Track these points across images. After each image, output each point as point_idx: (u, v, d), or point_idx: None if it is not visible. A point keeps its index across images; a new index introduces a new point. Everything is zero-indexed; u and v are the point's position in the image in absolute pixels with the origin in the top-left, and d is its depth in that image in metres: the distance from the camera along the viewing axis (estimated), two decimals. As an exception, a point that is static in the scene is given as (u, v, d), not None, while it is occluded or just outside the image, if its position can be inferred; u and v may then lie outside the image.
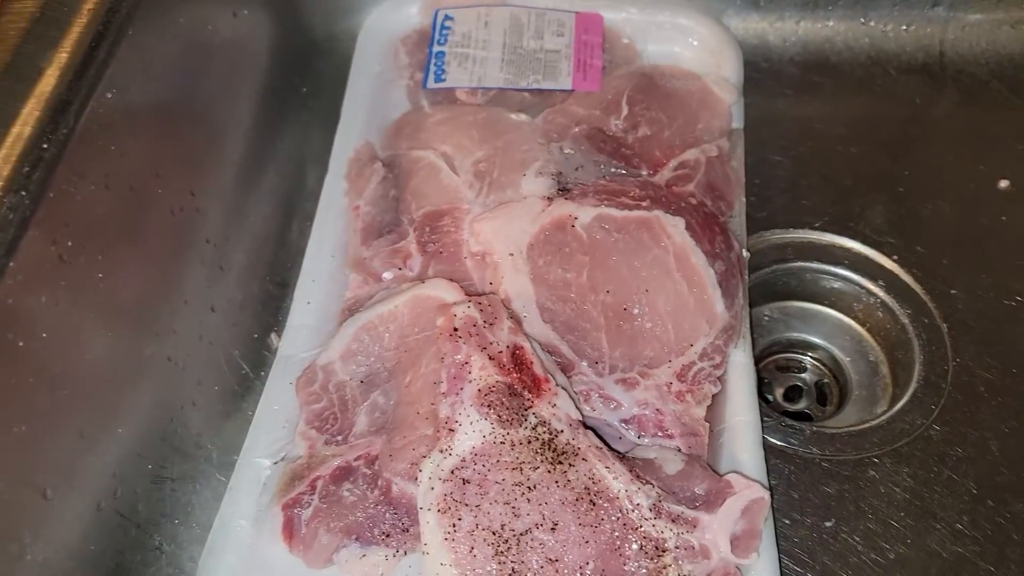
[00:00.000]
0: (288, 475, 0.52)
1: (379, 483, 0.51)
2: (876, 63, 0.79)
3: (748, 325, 0.61)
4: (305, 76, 0.72)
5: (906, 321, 0.66)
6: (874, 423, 0.62)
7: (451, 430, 0.49)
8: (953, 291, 0.67)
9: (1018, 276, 0.67)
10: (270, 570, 0.50)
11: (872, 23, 0.79)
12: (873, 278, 0.68)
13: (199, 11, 0.58)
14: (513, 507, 0.48)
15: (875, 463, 0.59)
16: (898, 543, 0.56)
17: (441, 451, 0.49)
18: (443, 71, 0.72)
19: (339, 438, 0.54)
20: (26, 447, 0.40)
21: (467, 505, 0.48)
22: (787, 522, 0.57)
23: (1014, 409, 0.61)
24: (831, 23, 0.80)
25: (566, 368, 0.56)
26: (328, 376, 0.56)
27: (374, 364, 0.57)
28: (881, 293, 0.68)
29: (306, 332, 0.60)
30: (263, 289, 0.63)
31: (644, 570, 0.48)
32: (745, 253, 0.64)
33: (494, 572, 0.47)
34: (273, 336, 0.62)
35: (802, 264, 0.70)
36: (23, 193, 0.41)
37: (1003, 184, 0.72)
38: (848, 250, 0.70)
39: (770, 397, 0.70)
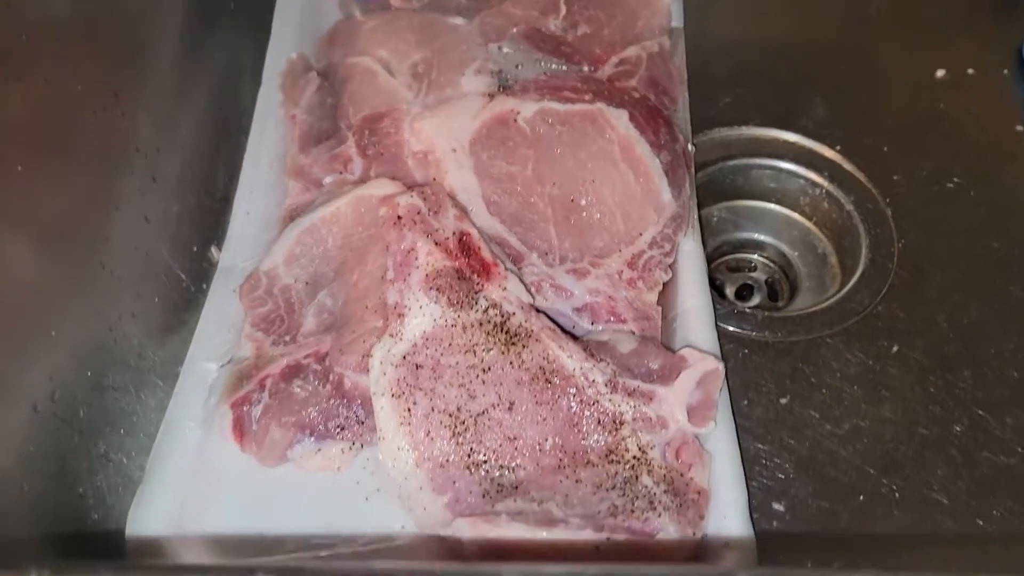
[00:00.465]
0: (235, 375, 0.50)
1: (331, 378, 0.50)
2: (812, -40, 0.79)
3: (696, 215, 0.61)
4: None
5: (851, 208, 0.67)
6: (824, 305, 0.62)
7: (400, 315, 0.48)
8: (895, 177, 0.67)
9: (956, 159, 0.68)
10: (220, 472, 0.48)
11: (807, -79, 0.79)
12: (818, 169, 0.69)
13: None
14: (468, 389, 0.48)
15: (827, 343, 0.60)
16: (852, 415, 0.56)
17: (391, 336, 0.48)
18: (376, -21, 0.70)
19: (287, 338, 0.53)
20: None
21: (421, 389, 0.47)
22: (744, 402, 0.57)
23: (958, 284, 0.62)
24: (767, -78, 0.79)
25: (516, 259, 0.55)
26: (272, 280, 0.55)
27: (318, 266, 0.55)
28: (826, 184, 0.68)
29: (247, 242, 0.59)
30: (200, 202, 0.61)
31: (602, 443, 0.47)
32: (690, 147, 0.64)
33: (452, 453, 0.47)
34: (213, 249, 0.60)
35: (748, 160, 0.70)
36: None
37: (939, 73, 0.73)
38: (792, 144, 0.70)
39: (722, 297, 0.70)
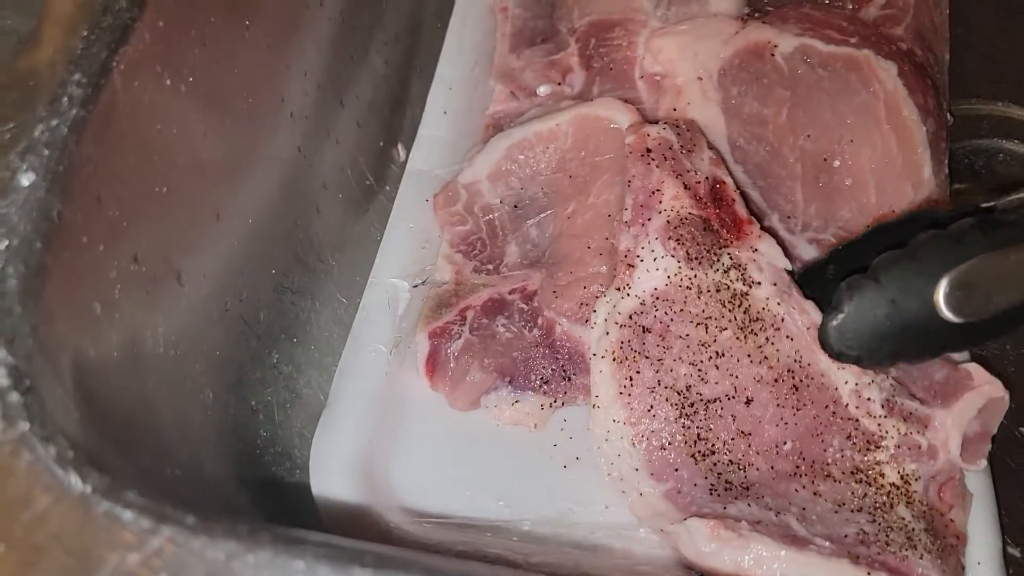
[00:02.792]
0: (434, 300, 0.44)
1: (539, 322, 0.43)
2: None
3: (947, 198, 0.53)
4: None
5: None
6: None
7: (631, 265, 0.41)
8: None
9: None
10: (408, 407, 0.43)
11: None
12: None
13: None
14: (700, 370, 0.41)
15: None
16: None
17: (619, 289, 0.41)
18: None
19: (489, 267, 0.46)
20: (165, 220, 0.32)
21: (648, 357, 0.41)
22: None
23: None
24: None
25: (756, 218, 0.48)
26: (473, 197, 0.48)
27: (528, 189, 0.48)
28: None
29: (441, 146, 0.52)
30: (391, 91, 0.53)
31: (848, 457, 0.40)
32: (949, 117, 0.55)
33: (676, 436, 0.40)
34: (400, 147, 0.53)
35: (996, 143, 0.61)
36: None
37: None
38: (1053, 132, 0.61)
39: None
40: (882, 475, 0.40)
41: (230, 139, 0.37)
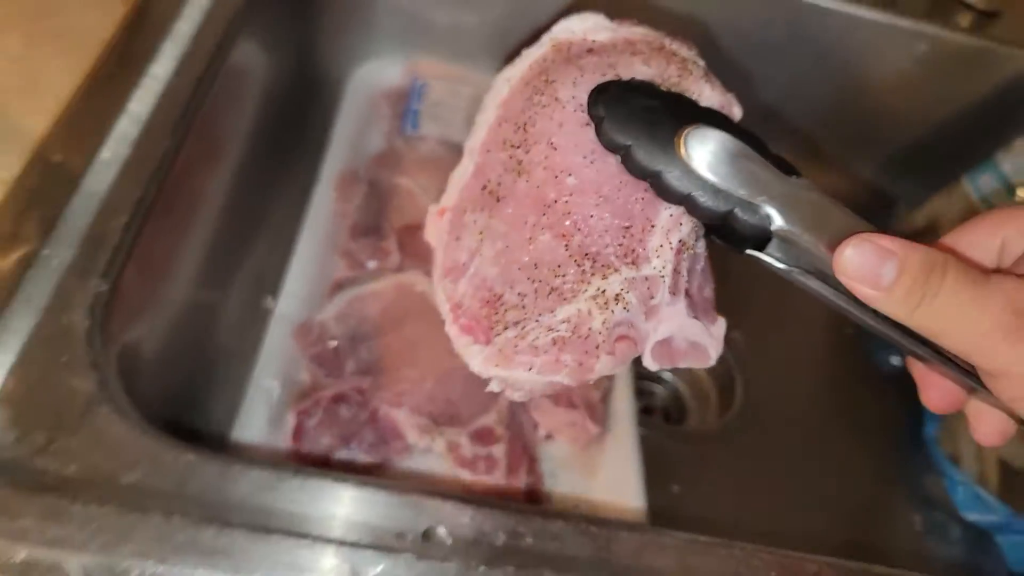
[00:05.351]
0: (299, 392, 0.67)
1: (369, 407, 0.67)
2: None
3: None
4: (300, 112, 0.89)
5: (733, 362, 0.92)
6: (711, 427, 0.85)
7: (434, 369, 0.67)
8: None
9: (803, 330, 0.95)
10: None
11: None
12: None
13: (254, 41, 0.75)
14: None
15: (710, 450, 0.82)
16: (729, 504, 0.78)
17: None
18: (418, 124, 0.91)
19: (335, 373, 0.70)
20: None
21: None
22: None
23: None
24: None
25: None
26: (323, 330, 0.72)
27: (361, 327, 0.73)
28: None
29: (300, 299, 0.76)
30: (268, 262, 0.78)
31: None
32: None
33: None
34: (269, 299, 0.77)
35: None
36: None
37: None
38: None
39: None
40: (605, 277, 0.38)
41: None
